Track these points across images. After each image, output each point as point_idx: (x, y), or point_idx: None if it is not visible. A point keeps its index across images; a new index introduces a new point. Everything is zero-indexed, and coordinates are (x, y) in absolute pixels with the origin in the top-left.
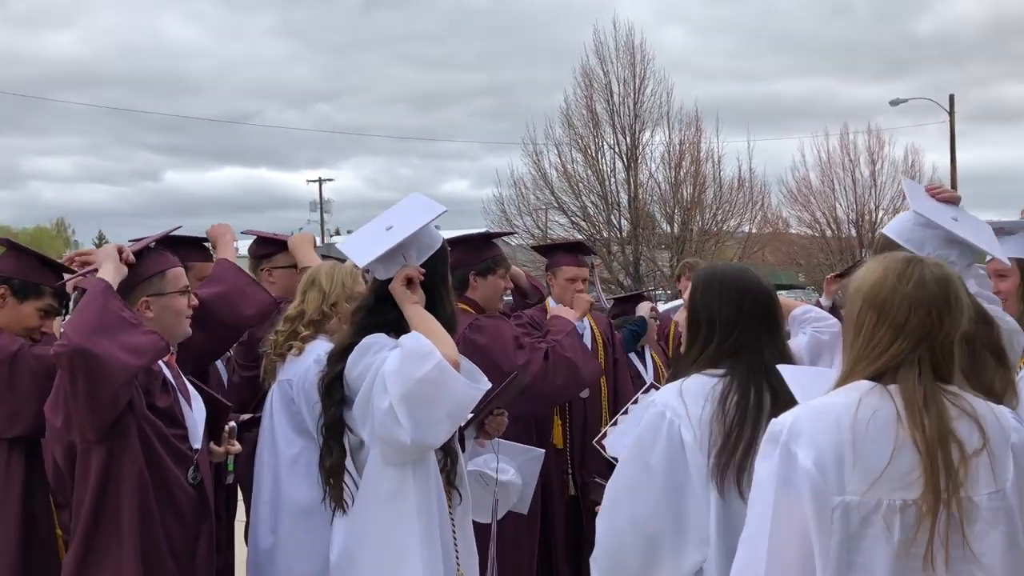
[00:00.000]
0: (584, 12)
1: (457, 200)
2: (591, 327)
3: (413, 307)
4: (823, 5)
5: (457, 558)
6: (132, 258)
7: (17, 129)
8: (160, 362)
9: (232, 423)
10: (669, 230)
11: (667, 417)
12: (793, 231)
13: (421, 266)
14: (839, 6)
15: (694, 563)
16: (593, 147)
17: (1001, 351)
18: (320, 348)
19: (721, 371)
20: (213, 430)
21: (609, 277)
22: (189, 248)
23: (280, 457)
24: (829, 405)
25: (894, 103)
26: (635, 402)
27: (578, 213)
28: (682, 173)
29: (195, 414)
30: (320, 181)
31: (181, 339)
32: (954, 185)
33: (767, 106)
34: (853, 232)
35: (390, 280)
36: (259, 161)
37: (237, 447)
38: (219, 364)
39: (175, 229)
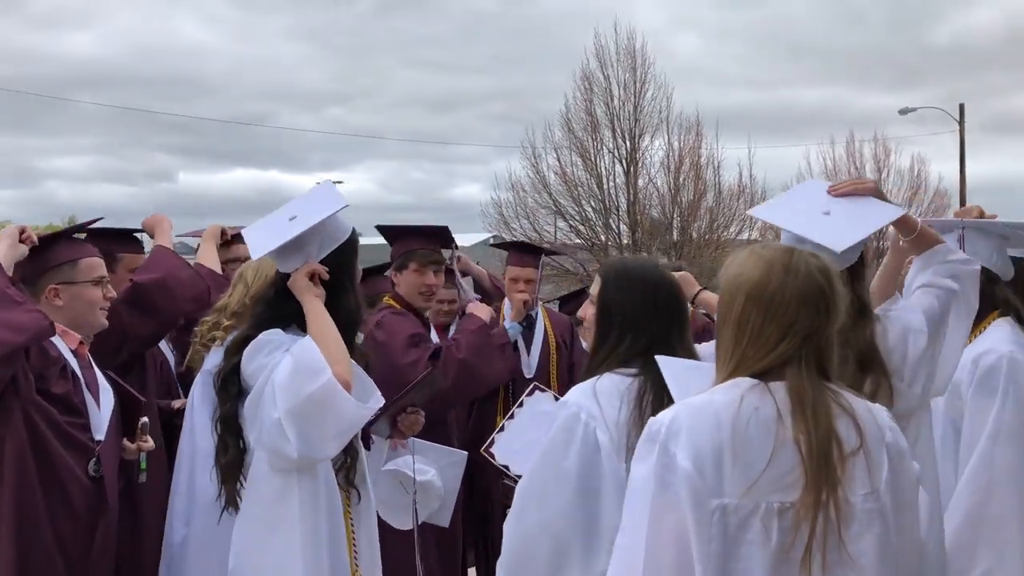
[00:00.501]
0: (596, 16)
1: (471, 203)
2: (546, 328)
3: (312, 305)
4: (838, 13)
5: (356, 559)
6: (35, 240)
7: (34, 129)
8: (64, 349)
9: (145, 419)
10: (668, 235)
11: (582, 419)
12: None
13: (325, 259)
14: (854, 15)
15: (605, 570)
16: (592, 151)
17: (870, 350)
18: None
19: (633, 370)
20: (127, 425)
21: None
22: (120, 240)
23: (197, 449)
24: (709, 403)
25: (903, 112)
26: (520, 405)
27: (576, 217)
28: (681, 178)
29: (103, 406)
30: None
31: (96, 331)
32: (963, 196)
33: (777, 114)
34: None
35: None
36: (271, 163)
37: (150, 444)
38: (168, 351)
39: (96, 221)
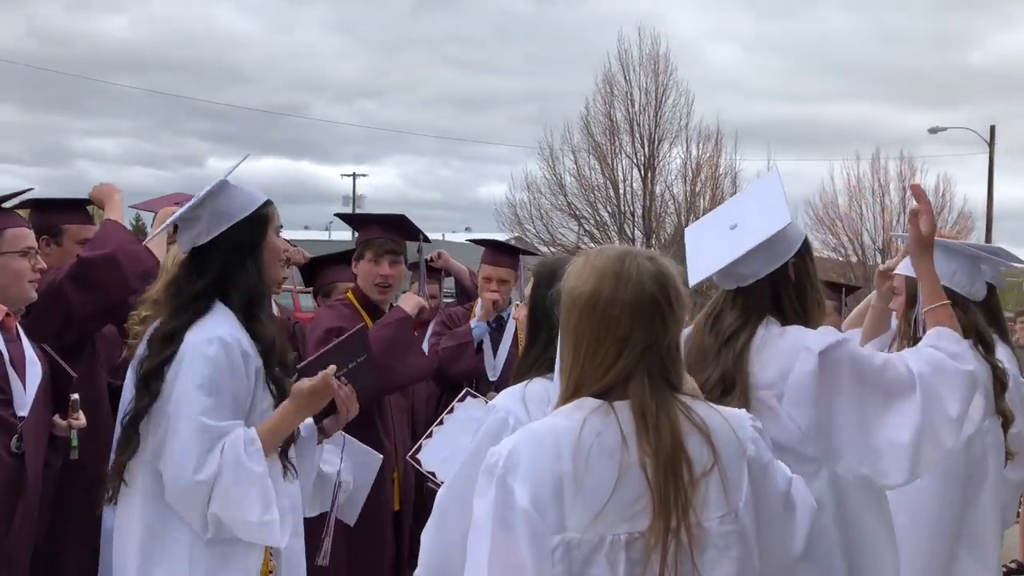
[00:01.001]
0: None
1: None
2: (517, 331)
3: None
4: (877, 31)
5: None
6: None
7: (69, 109)
8: None
9: (75, 395)
10: (682, 243)
11: (510, 424)
12: (816, 254)
13: (219, 237)
14: (893, 33)
15: None
16: (610, 155)
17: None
18: None
19: None
20: (58, 401)
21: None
22: (66, 210)
23: None
24: (550, 430)
25: (933, 131)
26: (451, 411)
27: (591, 221)
28: (698, 187)
29: (28, 381)
30: (354, 176)
31: (23, 303)
32: (989, 218)
33: (805, 128)
34: (879, 259)
35: (197, 250)
36: (301, 154)
37: (81, 421)
38: None
39: (27, 191)
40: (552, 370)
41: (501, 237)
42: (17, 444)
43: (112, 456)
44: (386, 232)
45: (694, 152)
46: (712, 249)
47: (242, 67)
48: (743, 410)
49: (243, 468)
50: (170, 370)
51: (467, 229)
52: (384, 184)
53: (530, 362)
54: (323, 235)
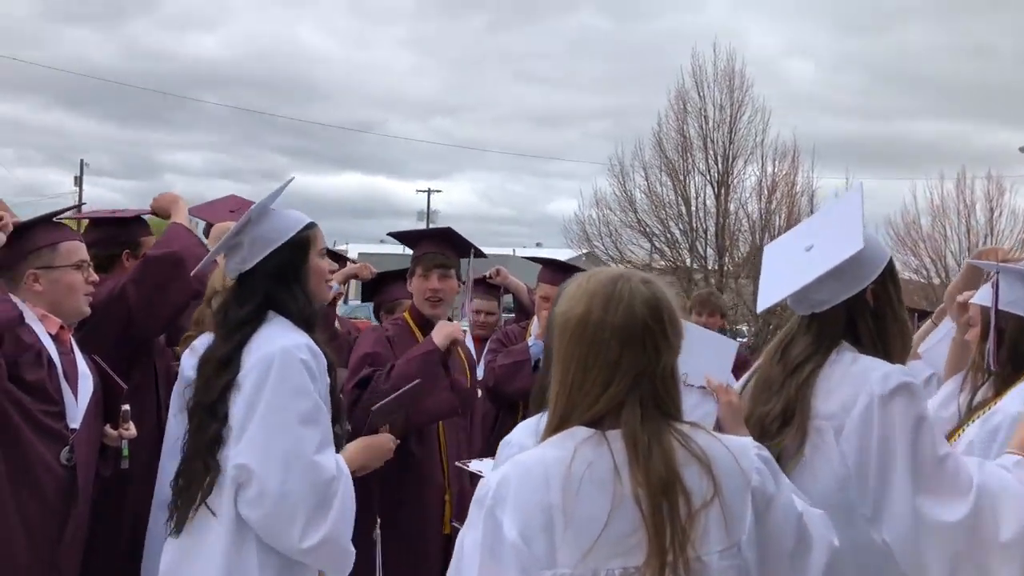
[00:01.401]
0: (705, 39)
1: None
2: None
3: None
4: (964, 45)
5: None
6: (9, 227)
7: (158, 124)
8: (43, 334)
9: (126, 406)
10: (756, 262)
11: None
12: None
13: (263, 261)
14: (981, 47)
15: None
16: (682, 172)
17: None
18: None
19: None
20: (109, 412)
21: (688, 307)
22: (133, 225)
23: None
24: (539, 461)
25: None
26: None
27: (661, 239)
28: (774, 205)
29: (80, 394)
30: (428, 191)
31: (77, 317)
32: None
33: (886, 145)
34: None
35: (243, 276)
36: (377, 169)
37: (131, 432)
38: None
39: (77, 207)
40: None
41: (570, 253)
42: (68, 456)
43: (176, 485)
44: (435, 246)
45: (769, 169)
46: (785, 272)
47: (322, 84)
48: (748, 438)
49: (348, 510)
50: (245, 386)
51: (538, 245)
52: (458, 199)
53: (546, 387)
54: (397, 248)
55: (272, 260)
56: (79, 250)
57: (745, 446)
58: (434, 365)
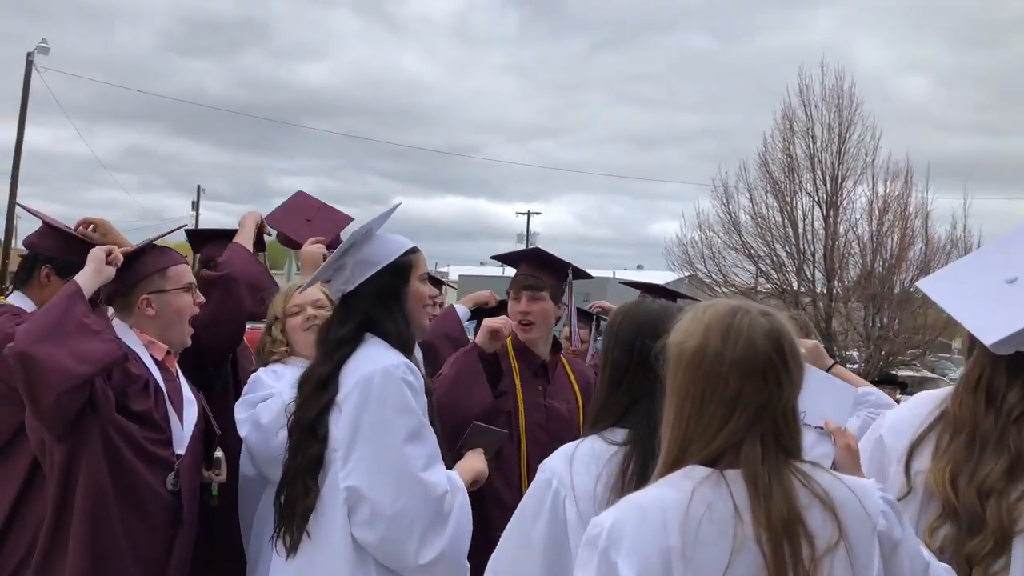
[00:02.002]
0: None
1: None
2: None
3: None
4: None
5: None
6: (120, 260)
7: (268, 150)
8: (149, 362)
9: (219, 454)
10: (868, 286)
11: (553, 486)
12: None
13: (365, 283)
14: None
15: None
16: (789, 193)
17: None
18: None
19: (619, 437)
20: (206, 450)
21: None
22: (225, 241)
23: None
24: (656, 501)
25: None
26: None
27: (767, 261)
28: (886, 226)
29: (186, 420)
30: (528, 214)
31: (184, 343)
32: None
33: (1007, 163)
34: None
35: (345, 297)
36: (478, 192)
37: (222, 478)
38: None
39: (179, 228)
40: (608, 423)
41: (672, 276)
42: (174, 481)
43: (279, 504)
44: (529, 268)
45: (881, 190)
46: (989, 304)
47: (425, 110)
48: (871, 480)
49: (464, 525)
50: (347, 407)
51: (639, 267)
52: (557, 221)
53: (590, 413)
54: (497, 271)
55: (373, 282)
56: (187, 273)
57: (869, 488)
58: (471, 360)
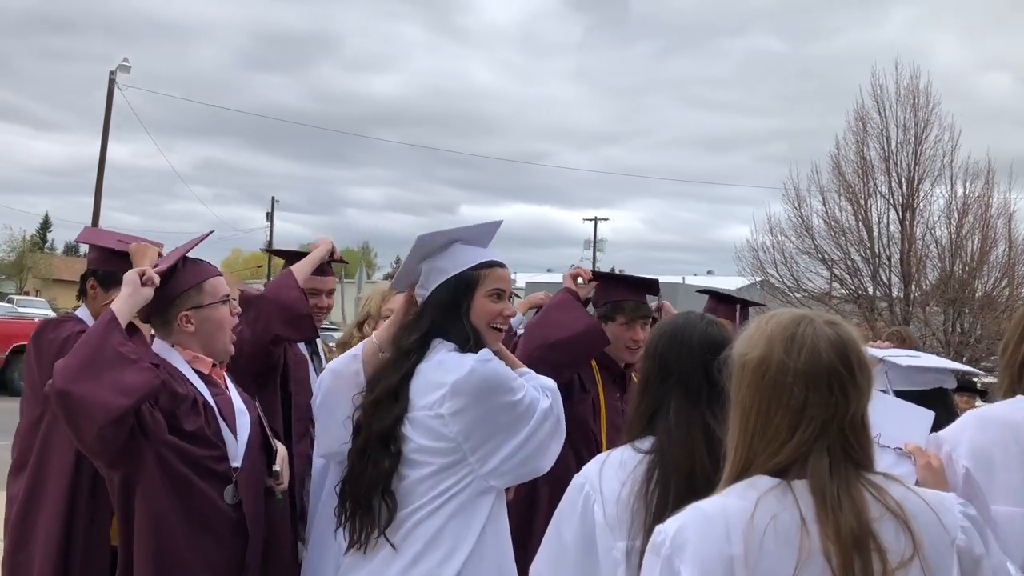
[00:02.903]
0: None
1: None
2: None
3: None
4: None
5: None
6: (155, 280)
7: (339, 161)
8: (195, 379)
9: (277, 467)
10: (947, 291)
11: (584, 490)
12: None
13: (436, 289)
14: None
15: None
16: (863, 196)
17: None
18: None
19: (646, 446)
20: (268, 456)
21: (871, 337)
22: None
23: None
24: (720, 510)
25: None
26: None
27: (841, 266)
28: (965, 229)
29: (239, 432)
30: (596, 220)
31: (225, 354)
32: None
33: None
34: None
35: (425, 302)
36: (545, 199)
37: (283, 486)
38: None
39: (207, 235)
40: (638, 433)
41: (742, 282)
42: (233, 494)
43: (348, 507)
44: (635, 294)
45: (960, 191)
46: None
47: (491, 119)
48: (951, 493)
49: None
50: (464, 417)
51: (709, 272)
52: (624, 227)
53: (627, 423)
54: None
55: (443, 292)
56: (222, 285)
57: (948, 501)
58: (571, 300)
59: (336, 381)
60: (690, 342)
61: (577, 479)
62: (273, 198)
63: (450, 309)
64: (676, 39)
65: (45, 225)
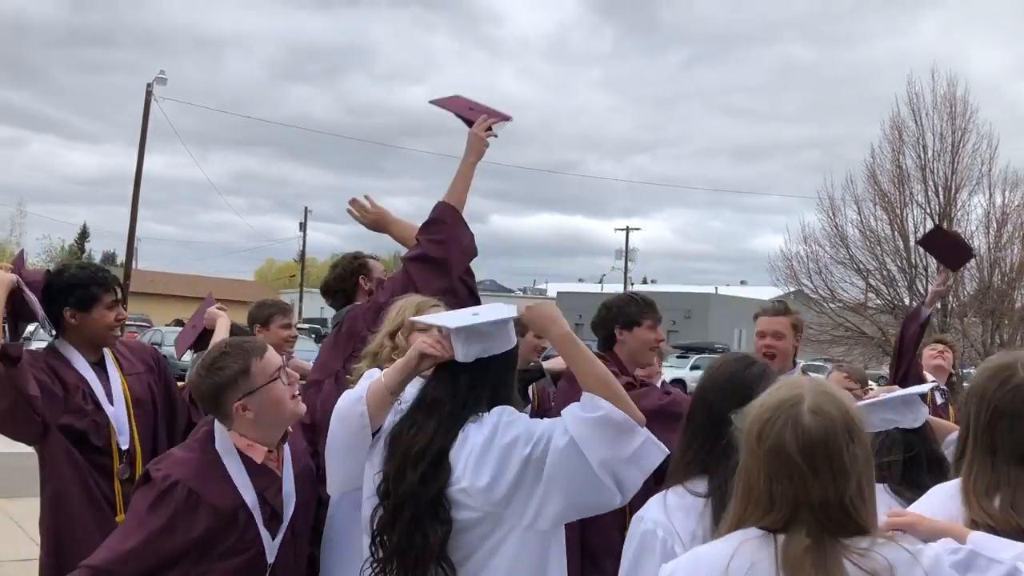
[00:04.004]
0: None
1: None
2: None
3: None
4: None
5: None
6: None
7: (370, 171)
8: (247, 488)
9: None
10: (986, 301)
11: (659, 536)
12: None
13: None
14: None
15: None
16: (899, 205)
17: None
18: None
19: (701, 490)
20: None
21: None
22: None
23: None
24: (707, 553)
25: None
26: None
27: (877, 276)
28: (1004, 238)
29: (286, 512)
30: (627, 230)
31: (294, 419)
32: None
33: None
34: None
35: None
36: (575, 209)
37: None
38: None
39: (209, 301)
40: (693, 472)
41: (776, 292)
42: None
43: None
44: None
45: (999, 200)
46: None
47: (522, 128)
48: (940, 545)
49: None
50: (528, 471)
51: (742, 282)
52: (655, 236)
53: (683, 460)
54: (595, 287)
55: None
56: (269, 361)
57: (930, 554)
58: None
59: (341, 425)
60: (737, 385)
61: (644, 524)
62: (306, 208)
63: (507, 376)
64: (705, 48)
65: (83, 235)
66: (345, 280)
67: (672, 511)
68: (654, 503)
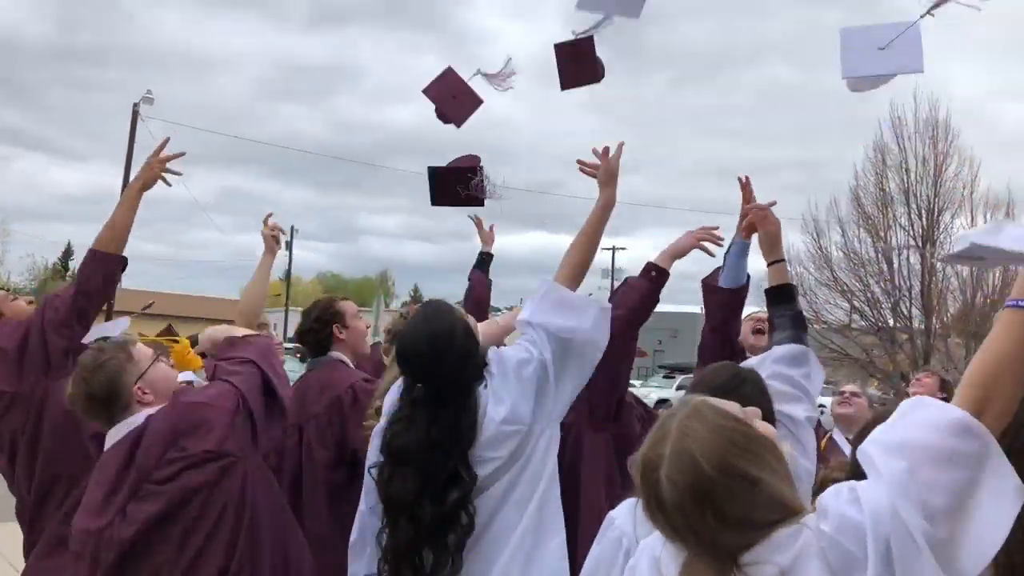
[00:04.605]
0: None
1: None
2: None
3: None
4: None
5: None
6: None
7: (356, 190)
8: None
9: None
10: (967, 322)
11: (624, 545)
12: None
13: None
14: None
15: None
16: (883, 228)
17: None
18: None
19: None
20: None
21: (892, 370)
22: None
23: None
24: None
25: None
26: None
27: (860, 298)
28: None
29: None
30: (613, 250)
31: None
32: None
33: None
34: None
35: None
36: (562, 228)
37: None
38: None
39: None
40: None
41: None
42: None
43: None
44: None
45: (980, 222)
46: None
47: (508, 148)
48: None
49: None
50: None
51: None
52: (642, 256)
53: None
54: None
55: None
56: (141, 348)
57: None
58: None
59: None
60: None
61: (611, 531)
62: (292, 227)
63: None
64: (690, 71)
65: (67, 253)
66: (319, 331)
67: (640, 522)
68: (626, 508)
